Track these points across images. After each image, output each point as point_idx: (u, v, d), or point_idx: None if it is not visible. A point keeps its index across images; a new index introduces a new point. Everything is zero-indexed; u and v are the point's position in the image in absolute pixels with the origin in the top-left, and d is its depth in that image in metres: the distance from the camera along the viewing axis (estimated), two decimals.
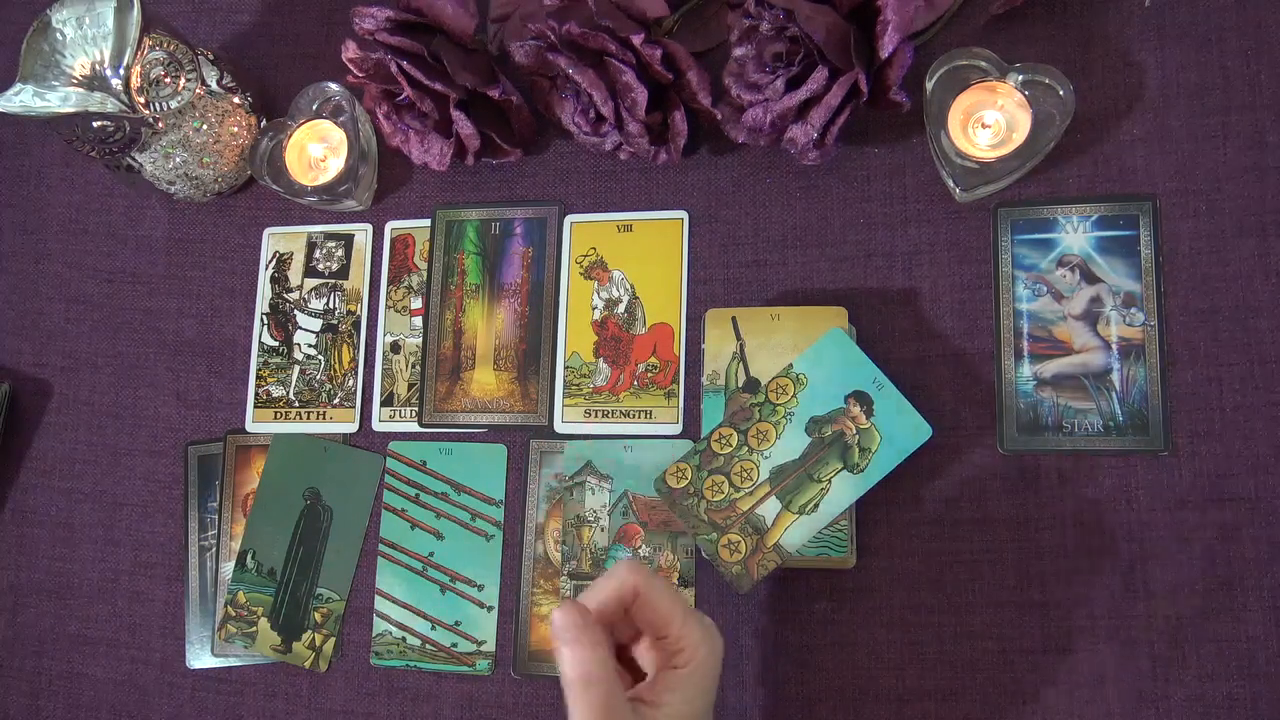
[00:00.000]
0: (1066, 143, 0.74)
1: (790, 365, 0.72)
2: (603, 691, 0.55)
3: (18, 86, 0.76)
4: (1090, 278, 0.73)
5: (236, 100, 0.84)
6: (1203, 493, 0.70)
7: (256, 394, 0.84)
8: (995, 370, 0.73)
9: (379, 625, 0.79)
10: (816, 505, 0.70)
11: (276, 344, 0.85)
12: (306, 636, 0.80)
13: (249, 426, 0.84)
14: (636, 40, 0.72)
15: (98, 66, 0.77)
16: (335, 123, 0.83)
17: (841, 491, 0.70)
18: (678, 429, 0.77)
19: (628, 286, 0.80)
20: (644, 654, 0.62)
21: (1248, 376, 0.70)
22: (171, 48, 0.79)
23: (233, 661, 0.81)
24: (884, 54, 0.70)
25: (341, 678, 0.79)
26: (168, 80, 0.79)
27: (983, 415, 0.73)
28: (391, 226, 0.85)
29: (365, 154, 0.83)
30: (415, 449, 0.81)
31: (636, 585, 0.58)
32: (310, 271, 0.85)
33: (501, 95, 0.77)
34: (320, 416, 0.83)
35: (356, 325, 0.84)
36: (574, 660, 0.56)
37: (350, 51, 0.78)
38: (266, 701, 0.80)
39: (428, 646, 0.78)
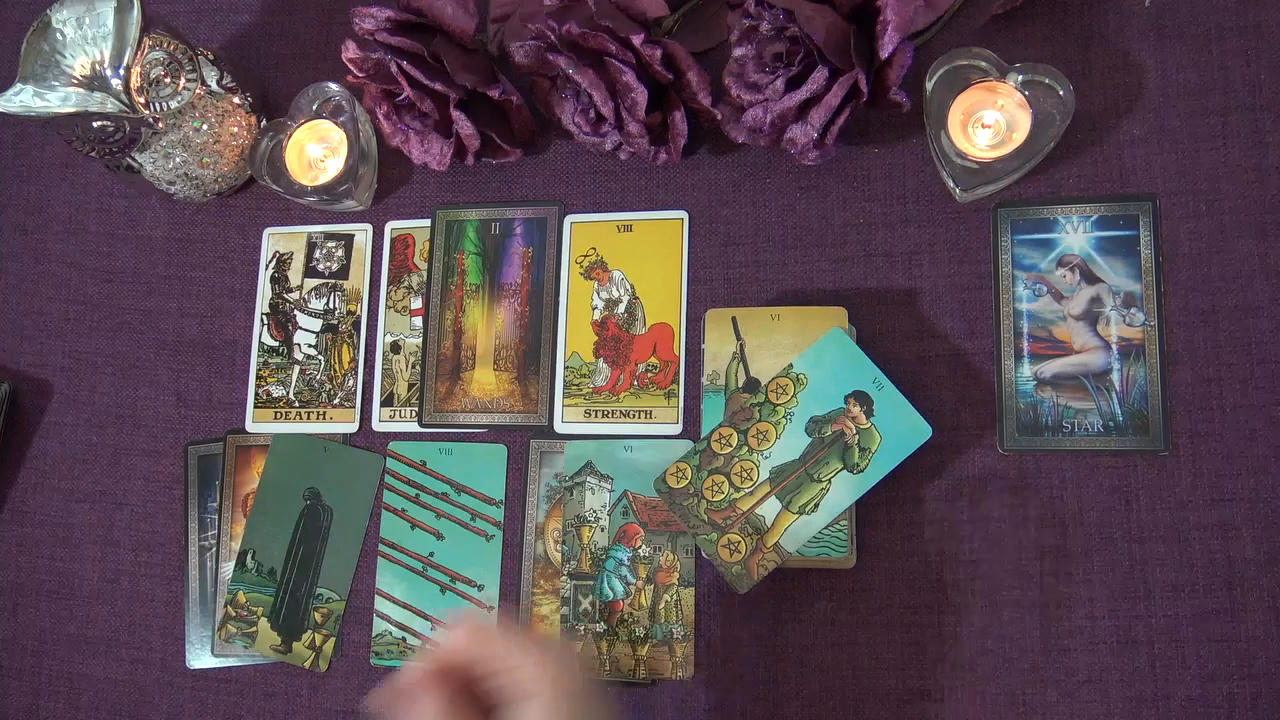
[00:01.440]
0: (1066, 143, 0.74)
1: (790, 365, 0.72)
2: None
3: (18, 86, 0.76)
4: (1090, 278, 0.73)
5: (236, 100, 0.84)
6: (1203, 493, 0.70)
7: (256, 394, 0.84)
8: (995, 370, 0.73)
9: (379, 625, 0.79)
10: (816, 505, 0.70)
11: (276, 344, 0.85)
12: (306, 636, 0.80)
13: (249, 426, 0.84)
14: (636, 40, 0.72)
15: (98, 66, 0.77)
16: (335, 123, 0.83)
17: (841, 491, 0.70)
18: (678, 429, 0.77)
19: (628, 286, 0.80)
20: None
21: (1248, 376, 0.70)
22: (171, 48, 0.79)
23: (233, 661, 0.81)
24: (884, 54, 0.70)
25: (341, 678, 0.79)
26: (168, 80, 0.79)
27: (983, 415, 0.73)
28: (391, 226, 0.85)
29: (365, 154, 0.83)
30: (415, 449, 0.81)
31: (465, 642, 0.59)
32: (310, 271, 0.85)
33: (501, 95, 0.77)
34: (320, 416, 0.83)
35: (356, 325, 0.84)
36: None
37: (350, 51, 0.78)
38: (266, 701, 0.80)
39: (428, 646, 0.78)
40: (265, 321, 0.85)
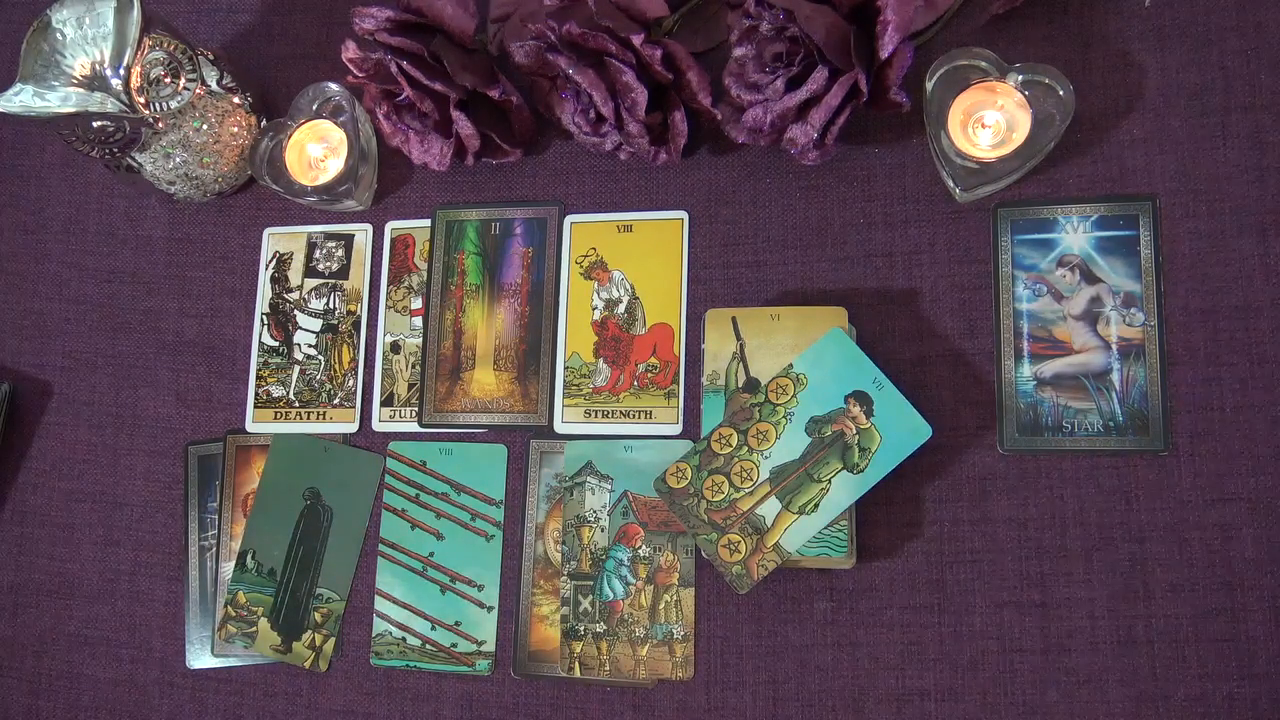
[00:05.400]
0: (1066, 143, 0.74)
1: (790, 365, 0.72)
2: None
3: (18, 86, 0.76)
4: (1090, 278, 0.73)
5: (236, 100, 0.84)
6: (1203, 493, 0.70)
7: (256, 394, 0.84)
8: (995, 370, 0.73)
9: (379, 625, 0.79)
10: (816, 505, 0.70)
11: (276, 344, 0.85)
12: (306, 636, 0.80)
13: (249, 426, 0.84)
14: (636, 40, 0.72)
15: (98, 66, 0.77)
16: (335, 123, 0.83)
17: (841, 491, 0.70)
18: (678, 429, 0.77)
19: (628, 286, 0.80)
20: None
21: (1248, 376, 0.70)
22: (171, 48, 0.79)
23: (233, 661, 0.81)
24: (884, 54, 0.70)
25: (341, 678, 0.79)
26: (168, 80, 0.79)
27: (983, 415, 0.73)
28: (391, 226, 0.85)
29: (365, 154, 0.83)
30: (415, 449, 0.81)
31: None
32: (310, 271, 0.85)
33: (501, 95, 0.77)
34: (320, 416, 0.83)
35: (356, 325, 0.84)
36: None
37: (350, 51, 0.78)
38: (266, 701, 0.80)
39: (428, 646, 0.78)
40: (265, 321, 0.85)
